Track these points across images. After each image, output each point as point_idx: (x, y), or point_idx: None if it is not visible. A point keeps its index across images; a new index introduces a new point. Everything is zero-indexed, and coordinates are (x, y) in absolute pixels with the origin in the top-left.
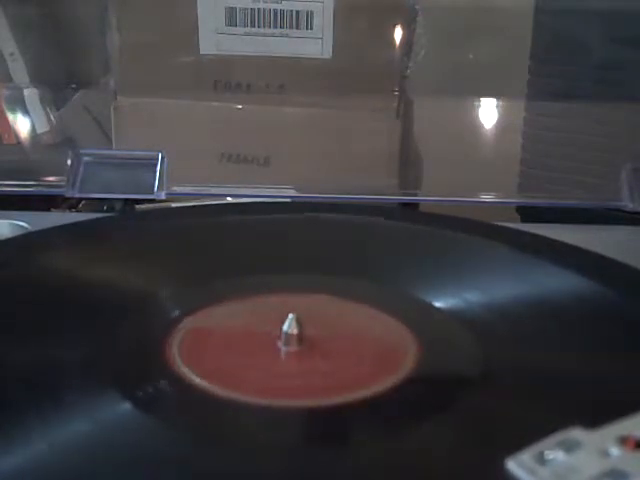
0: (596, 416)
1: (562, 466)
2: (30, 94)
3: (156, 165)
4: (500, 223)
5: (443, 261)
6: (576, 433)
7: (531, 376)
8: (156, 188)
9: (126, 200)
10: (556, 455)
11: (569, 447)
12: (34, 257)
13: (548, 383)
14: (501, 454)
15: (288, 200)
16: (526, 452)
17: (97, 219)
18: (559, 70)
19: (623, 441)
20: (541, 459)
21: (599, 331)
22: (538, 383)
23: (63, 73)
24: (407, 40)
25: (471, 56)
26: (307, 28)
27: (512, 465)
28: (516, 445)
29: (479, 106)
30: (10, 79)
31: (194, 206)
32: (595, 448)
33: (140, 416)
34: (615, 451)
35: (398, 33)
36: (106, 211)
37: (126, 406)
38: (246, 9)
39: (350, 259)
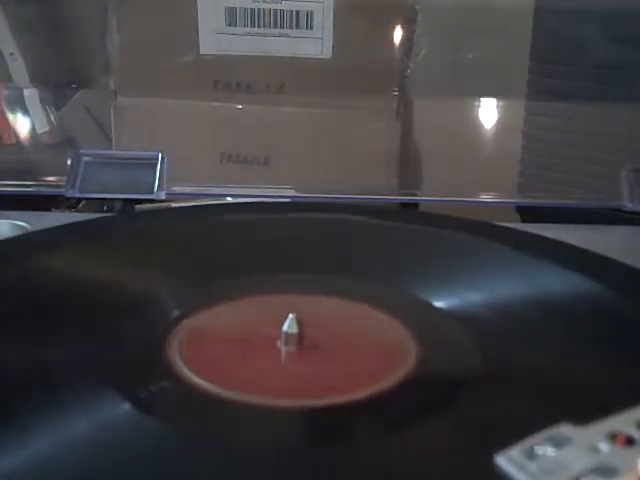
0: (593, 415)
1: (551, 461)
2: (30, 94)
3: (156, 165)
4: (500, 223)
5: (443, 261)
6: (566, 429)
7: (530, 375)
8: (156, 188)
9: (126, 200)
10: (545, 450)
11: (559, 443)
12: (34, 257)
13: (547, 382)
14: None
15: (288, 200)
16: (515, 447)
17: (97, 219)
18: (559, 70)
19: (613, 437)
20: (530, 454)
21: (598, 331)
22: (537, 382)
23: (63, 73)
24: (407, 40)
25: (471, 56)
26: (307, 28)
27: (501, 460)
28: (514, 444)
29: (479, 106)
30: (10, 79)
31: (194, 206)
32: (585, 444)
33: (140, 416)
34: (605, 447)
35: (398, 33)
36: (106, 211)
37: (126, 406)
38: (246, 9)
39: (350, 259)
